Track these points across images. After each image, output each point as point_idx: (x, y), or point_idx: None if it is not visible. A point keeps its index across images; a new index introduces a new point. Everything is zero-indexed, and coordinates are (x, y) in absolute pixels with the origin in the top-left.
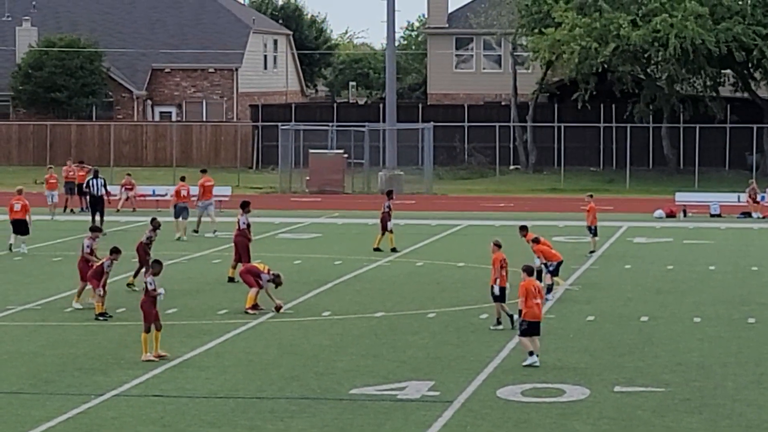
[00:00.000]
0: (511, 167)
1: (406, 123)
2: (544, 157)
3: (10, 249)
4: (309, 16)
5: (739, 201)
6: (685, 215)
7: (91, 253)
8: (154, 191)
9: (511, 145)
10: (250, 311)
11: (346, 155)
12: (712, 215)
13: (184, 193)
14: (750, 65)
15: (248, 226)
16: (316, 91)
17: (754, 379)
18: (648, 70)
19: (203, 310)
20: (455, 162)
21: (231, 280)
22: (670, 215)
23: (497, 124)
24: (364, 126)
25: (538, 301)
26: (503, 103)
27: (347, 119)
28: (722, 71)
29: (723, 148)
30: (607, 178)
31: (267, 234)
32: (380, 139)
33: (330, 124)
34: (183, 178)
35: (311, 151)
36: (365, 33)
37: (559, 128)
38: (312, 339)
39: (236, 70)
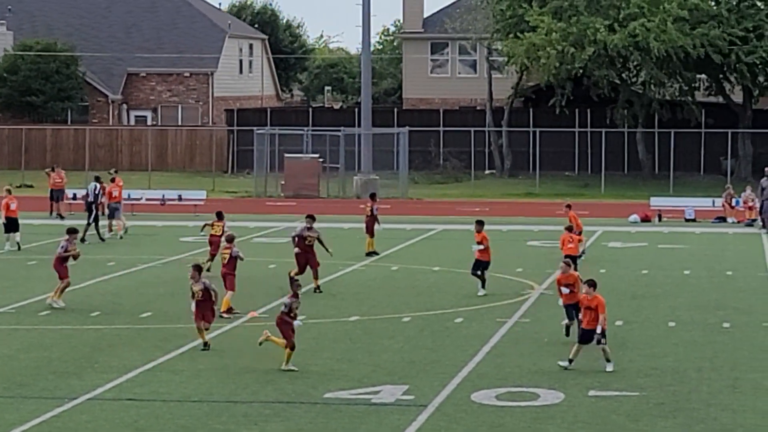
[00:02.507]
0: (486, 172)
1: (381, 128)
2: (519, 162)
3: (19, 248)
4: (285, 20)
5: (713, 206)
6: (660, 220)
7: (66, 252)
8: (129, 195)
9: (486, 150)
10: (225, 315)
11: (321, 159)
12: (687, 220)
13: (115, 193)
14: (725, 69)
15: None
16: (292, 95)
17: (728, 384)
18: (623, 75)
19: (178, 314)
20: (430, 166)
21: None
22: (645, 220)
23: (472, 129)
24: (339, 130)
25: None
26: (478, 108)
27: (322, 124)
28: (697, 76)
29: (698, 152)
30: (582, 182)
31: (242, 238)
32: (355, 143)
33: (305, 128)
34: (113, 179)
35: (286, 155)
36: (340, 37)
37: (534, 133)
38: None
39: (212, 74)
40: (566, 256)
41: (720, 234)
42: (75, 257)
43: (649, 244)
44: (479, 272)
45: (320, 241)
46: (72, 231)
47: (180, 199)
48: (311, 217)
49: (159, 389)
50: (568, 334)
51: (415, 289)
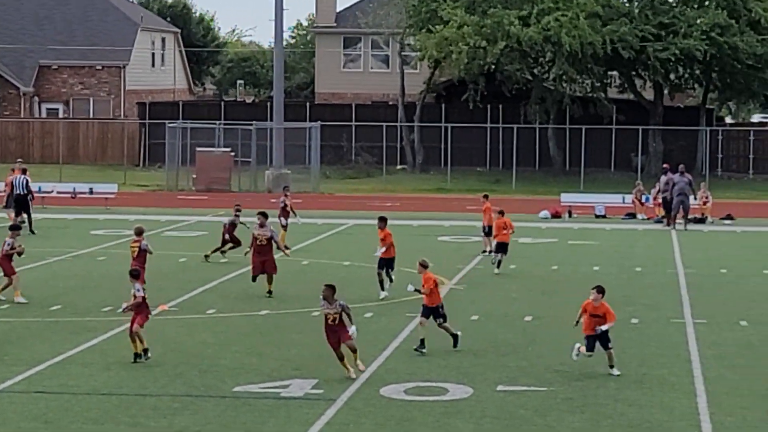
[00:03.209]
0: (398, 167)
1: (293, 122)
2: (430, 157)
3: None
4: (197, 14)
5: (624, 202)
6: (570, 216)
7: (12, 249)
8: (39, 188)
9: (398, 145)
10: (128, 310)
11: (233, 153)
12: (597, 216)
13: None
14: (636, 66)
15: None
16: (204, 89)
17: (636, 380)
18: (535, 71)
19: (88, 307)
20: (342, 161)
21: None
22: (556, 216)
23: (384, 124)
24: (251, 124)
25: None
26: (391, 103)
27: (235, 117)
28: (609, 72)
29: (609, 149)
30: (494, 178)
31: (153, 231)
32: (267, 137)
33: (217, 122)
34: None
35: (198, 149)
36: (253, 31)
37: (446, 128)
38: (196, 336)
39: (124, 67)
40: (499, 244)
41: (630, 230)
42: (20, 254)
43: (559, 240)
44: (385, 270)
45: (274, 240)
46: (15, 228)
47: (91, 192)
48: (263, 215)
49: (68, 382)
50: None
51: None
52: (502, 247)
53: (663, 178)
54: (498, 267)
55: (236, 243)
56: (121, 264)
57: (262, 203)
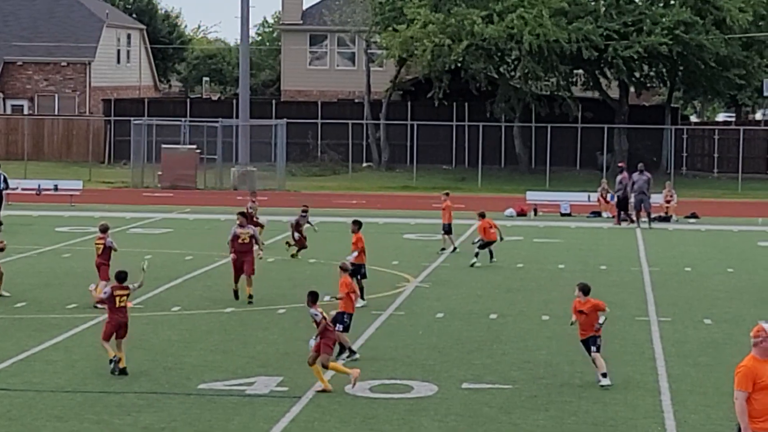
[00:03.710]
0: (364, 164)
1: (259, 119)
2: (396, 155)
3: None
4: (162, 10)
5: (589, 200)
6: (535, 214)
7: None
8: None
9: (364, 143)
10: (99, 305)
11: (198, 151)
12: (563, 214)
13: None
14: (601, 65)
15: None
16: (170, 86)
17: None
18: (501, 69)
19: (52, 304)
20: (308, 159)
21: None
22: (521, 214)
23: (350, 122)
24: (217, 122)
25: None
26: (357, 101)
27: (200, 115)
28: (574, 71)
29: (574, 147)
30: (460, 176)
31: (118, 229)
32: (233, 135)
33: (183, 119)
34: None
35: (164, 146)
36: (218, 27)
37: (411, 126)
38: (161, 334)
39: (89, 64)
40: (487, 242)
41: (595, 228)
42: (2, 249)
43: (524, 238)
44: (357, 277)
45: (255, 239)
46: None
47: (56, 189)
48: (243, 215)
49: (32, 379)
50: None
51: (290, 281)
52: (488, 244)
53: (618, 177)
54: (491, 257)
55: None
56: (86, 261)
57: (227, 200)
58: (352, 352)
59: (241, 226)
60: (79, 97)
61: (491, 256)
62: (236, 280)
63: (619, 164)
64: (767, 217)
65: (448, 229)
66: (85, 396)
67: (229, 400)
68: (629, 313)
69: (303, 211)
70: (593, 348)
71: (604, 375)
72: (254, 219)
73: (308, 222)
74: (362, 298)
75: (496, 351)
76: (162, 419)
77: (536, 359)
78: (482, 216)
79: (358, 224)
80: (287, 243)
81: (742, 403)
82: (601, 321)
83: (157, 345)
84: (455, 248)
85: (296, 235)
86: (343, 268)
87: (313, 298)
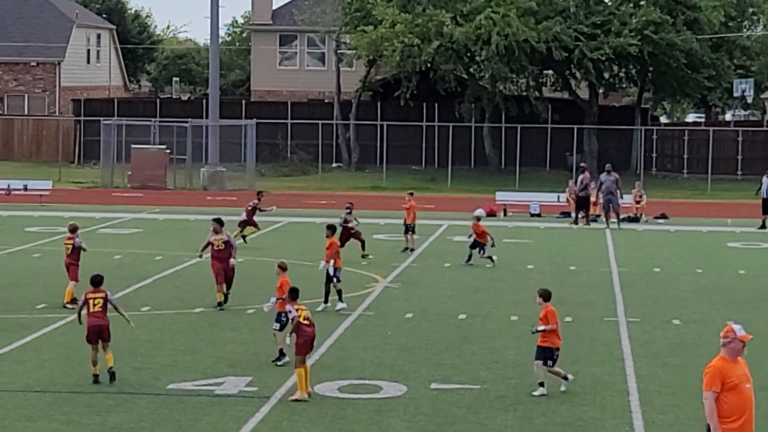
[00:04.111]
0: (334, 165)
1: (229, 119)
2: (366, 155)
3: None
4: (132, 10)
5: (558, 201)
6: (505, 214)
7: None
8: None
9: (334, 143)
10: (69, 305)
11: (168, 151)
12: (532, 215)
13: None
14: (571, 65)
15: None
16: (140, 86)
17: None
18: (471, 70)
19: (21, 305)
20: (278, 159)
21: None
22: (491, 214)
23: (320, 122)
24: (186, 122)
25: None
26: (326, 101)
27: (170, 115)
28: (544, 71)
29: (544, 148)
30: (429, 176)
31: (88, 229)
32: (203, 135)
33: (153, 119)
34: None
35: (133, 146)
36: (188, 27)
37: (381, 126)
38: (130, 334)
39: (59, 64)
40: (476, 242)
41: (564, 229)
42: None
43: (494, 239)
44: (334, 281)
45: (230, 244)
46: None
47: (26, 189)
48: (218, 221)
49: (1, 379)
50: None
51: (259, 282)
52: (477, 244)
53: (579, 177)
54: (491, 259)
55: (356, 236)
56: (55, 261)
57: (197, 200)
58: (282, 355)
59: (215, 232)
60: (48, 97)
61: (469, 259)
62: (219, 282)
63: (581, 164)
64: (736, 218)
65: (410, 229)
66: (54, 396)
67: (198, 400)
68: (598, 314)
69: (347, 209)
70: (549, 362)
71: (541, 384)
72: (251, 212)
73: (355, 219)
74: (341, 300)
75: (464, 351)
76: (131, 419)
77: (505, 359)
78: (477, 219)
79: (331, 229)
80: (363, 255)
81: (711, 403)
82: (536, 329)
83: (127, 345)
84: (412, 249)
85: (352, 230)
86: (282, 267)
87: (293, 295)
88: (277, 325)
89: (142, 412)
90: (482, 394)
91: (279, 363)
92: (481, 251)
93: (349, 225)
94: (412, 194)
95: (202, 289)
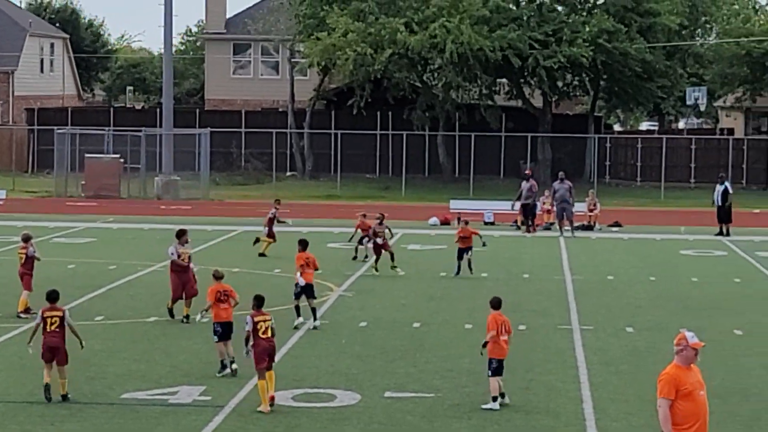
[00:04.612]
0: (288, 173)
1: (183, 128)
2: (320, 164)
3: None
4: (86, 19)
5: (512, 209)
6: (459, 222)
7: None
8: None
9: (288, 152)
10: (22, 315)
11: (122, 160)
12: (486, 223)
13: None
14: (525, 73)
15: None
16: (94, 95)
17: (522, 386)
18: (424, 78)
19: None
20: (232, 168)
21: None
22: (445, 222)
23: (274, 131)
24: (140, 131)
25: (506, 337)
26: (280, 110)
27: (124, 124)
28: (497, 80)
29: (498, 156)
30: (383, 185)
31: (41, 238)
32: (157, 144)
33: (106, 128)
34: None
35: (87, 155)
36: (142, 36)
37: (335, 135)
38: (84, 343)
39: (12, 73)
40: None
41: (518, 237)
42: None
43: (448, 247)
44: (310, 298)
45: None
46: None
47: None
48: (183, 232)
49: None
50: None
51: None
52: (462, 253)
53: (524, 185)
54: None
55: (386, 248)
56: (8, 270)
57: (151, 210)
58: (223, 367)
59: (183, 244)
60: (2, 107)
61: (459, 270)
62: (174, 301)
63: (526, 172)
64: (689, 226)
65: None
66: (7, 406)
67: (152, 409)
68: (552, 322)
69: (378, 220)
70: (489, 371)
71: (494, 398)
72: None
73: (387, 228)
74: (315, 318)
75: (419, 360)
76: (85, 429)
77: (459, 368)
78: (465, 223)
79: (303, 244)
80: (392, 267)
81: (665, 410)
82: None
83: (80, 354)
84: (356, 257)
85: (376, 241)
86: (216, 276)
87: (257, 303)
88: (215, 338)
89: (96, 422)
90: (436, 403)
91: (218, 374)
92: (467, 252)
93: (377, 239)
94: (365, 216)
95: (156, 299)
